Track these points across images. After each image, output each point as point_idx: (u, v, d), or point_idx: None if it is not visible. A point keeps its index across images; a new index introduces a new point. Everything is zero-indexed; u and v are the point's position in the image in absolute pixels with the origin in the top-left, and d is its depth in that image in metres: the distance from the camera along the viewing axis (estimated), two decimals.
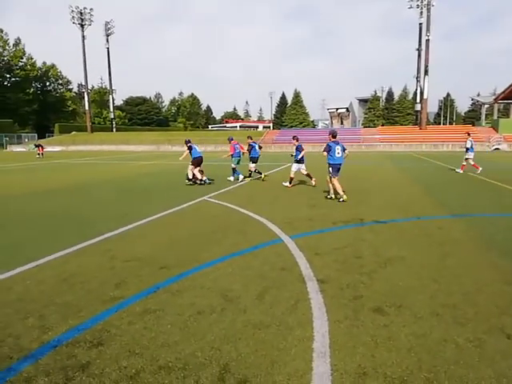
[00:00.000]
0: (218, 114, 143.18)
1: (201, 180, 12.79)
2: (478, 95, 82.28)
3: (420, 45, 52.22)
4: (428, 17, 49.58)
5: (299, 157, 11.99)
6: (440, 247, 5.47)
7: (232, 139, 14.24)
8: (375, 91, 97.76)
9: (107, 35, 65.83)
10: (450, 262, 4.84)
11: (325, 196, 10.14)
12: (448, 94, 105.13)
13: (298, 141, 12.19)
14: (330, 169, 9.75)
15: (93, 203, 9.52)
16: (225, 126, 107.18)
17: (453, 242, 5.71)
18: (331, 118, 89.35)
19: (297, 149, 12.03)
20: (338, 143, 9.88)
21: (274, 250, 5.37)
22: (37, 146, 36.42)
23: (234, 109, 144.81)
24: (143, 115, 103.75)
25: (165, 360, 2.72)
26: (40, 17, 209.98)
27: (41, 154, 34.33)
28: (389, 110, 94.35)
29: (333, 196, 9.88)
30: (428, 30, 49.68)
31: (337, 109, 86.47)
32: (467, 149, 16.12)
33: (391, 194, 10.58)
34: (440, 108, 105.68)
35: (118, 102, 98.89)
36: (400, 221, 7.24)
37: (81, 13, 62.10)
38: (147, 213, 7.86)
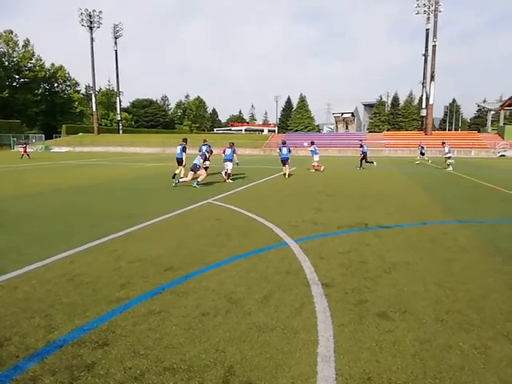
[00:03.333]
0: (223, 117, 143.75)
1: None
2: (484, 101, 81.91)
3: (426, 50, 52.10)
4: (435, 22, 49.50)
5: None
6: (445, 253, 5.45)
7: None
8: (381, 96, 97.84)
9: (115, 37, 66.31)
10: (455, 267, 4.82)
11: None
12: (454, 100, 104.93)
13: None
14: (280, 161, 17.40)
15: (98, 204, 9.57)
16: (230, 130, 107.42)
17: (458, 248, 5.69)
18: (336, 122, 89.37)
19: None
20: (284, 146, 17.50)
21: (278, 253, 5.37)
22: (23, 144, 33.07)
23: (240, 112, 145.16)
24: (149, 117, 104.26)
25: (169, 361, 2.73)
26: (49, 18, 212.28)
27: (25, 154, 31.58)
28: (394, 116, 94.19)
29: (285, 176, 16.67)
30: (435, 35, 49.59)
31: (342, 113, 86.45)
32: (313, 153, 20.94)
33: (396, 199, 10.55)
34: (446, 114, 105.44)
35: (125, 104, 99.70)
36: (405, 226, 7.22)
37: (90, 15, 62.69)
38: (152, 214, 7.90)
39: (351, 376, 2.57)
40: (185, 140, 15.08)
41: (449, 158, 22.95)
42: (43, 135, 66.43)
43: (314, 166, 20.86)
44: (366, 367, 2.67)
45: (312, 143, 21.21)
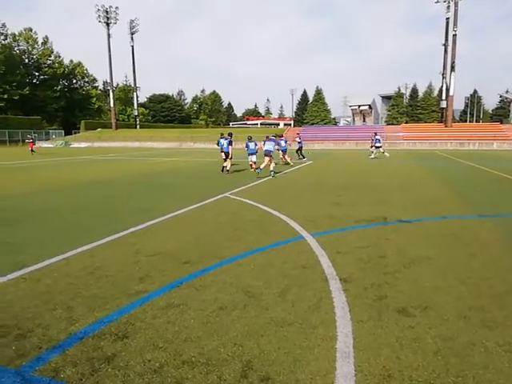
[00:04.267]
0: (239, 111, 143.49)
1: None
2: (507, 92, 79.61)
3: (446, 40, 50.80)
4: (455, 11, 48.10)
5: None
6: (467, 248, 5.32)
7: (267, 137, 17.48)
8: (399, 88, 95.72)
9: (132, 33, 66.80)
10: (478, 262, 4.70)
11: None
12: (475, 91, 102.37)
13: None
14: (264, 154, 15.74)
15: (117, 198, 9.71)
16: (246, 124, 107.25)
17: (480, 243, 5.55)
18: (353, 115, 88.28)
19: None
20: (269, 140, 15.41)
21: (295, 247, 5.34)
22: (30, 140, 32.86)
23: (255, 106, 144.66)
24: (166, 112, 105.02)
25: (188, 355, 2.74)
26: (67, 15, 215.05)
27: (32, 149, 31.52)
28: (413, 107, 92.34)
29: (289, 162, 19.09)
30: (455, 24, 48.22)
31: (359, 106, 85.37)
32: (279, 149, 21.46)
33: (416, 193, 10.36)
34: (466, 105, 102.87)
35: (142, 100, 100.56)
36: (425, 220, 7.08)
37: (106, 11, 63.29)
38: (170, 208, 7.96)
39: (371, 372, 2.53)
40: (230, 134, 16.12)
41: (379, 147, 25.67)
42: (63, 131, 67.84)
43: (284, 158, 20.95)
44: (386, 364, 2.62)
45: (281, 136, 22.10)
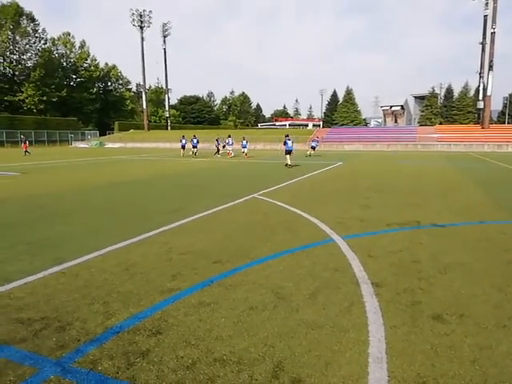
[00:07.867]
0: (267, 112, 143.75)
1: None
2: None
3: (484, 38, 48.88)
4: (494, 8, 46.19)
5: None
6: (505, 254, 5.11)
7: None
8: (433, 88, 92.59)
9: (164, 36, 68.18)
10: None
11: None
12: None
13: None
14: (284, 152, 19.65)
15: (150, 198, 9.95)
16: (274, 125, 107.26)
17: None
18: (384, 115, 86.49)
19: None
20: (289, 140, 19.55)
21: (325, 249, 5.30)
22: (23, 141, 32.08)
23: (284, 107, 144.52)
24: (196, 114, 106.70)
25: (219, 353, 2.78)
26: (103, 19, 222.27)
27: (25, 151, 31.02)
28: (447, 108, 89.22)
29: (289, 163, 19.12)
30: (494, 22, 46.26)
31: (391, 106, 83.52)
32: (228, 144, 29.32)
33: (450, 197, 10.03)
34: (505, 106, 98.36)
35: (173, 102, 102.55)
36: (460, 225, 6.85)
37: (140, 15, 64.95)
38: (200, 208, 8.09)
39: (405, 379, 2.48)
40: (287, 135, 19.92)
41: (232, 149, 29.75)
42: (97, 132, 70.17)
43: (229, 152, 28.85)
44: (420, 371, 2.57)
45: (228, 138, 29.46)
